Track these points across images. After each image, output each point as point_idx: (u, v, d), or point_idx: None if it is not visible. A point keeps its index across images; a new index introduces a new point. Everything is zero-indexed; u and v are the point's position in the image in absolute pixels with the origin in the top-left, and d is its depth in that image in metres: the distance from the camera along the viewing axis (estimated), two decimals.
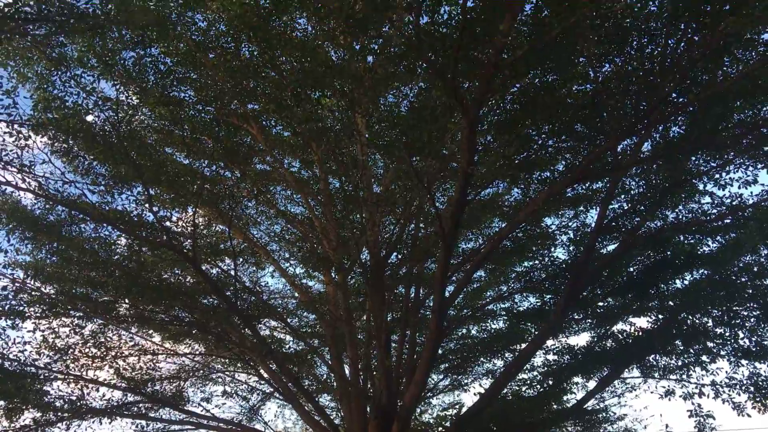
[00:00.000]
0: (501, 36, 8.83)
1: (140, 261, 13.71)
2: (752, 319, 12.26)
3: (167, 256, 13.49)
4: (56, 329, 14.31)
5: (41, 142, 12.21)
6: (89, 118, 13.07)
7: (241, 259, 16.43)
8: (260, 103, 13.67)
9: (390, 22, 9.61)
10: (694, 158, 11.00)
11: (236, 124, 13.89)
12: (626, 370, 14.18)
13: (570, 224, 13.64)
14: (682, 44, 9.17)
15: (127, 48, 12.75)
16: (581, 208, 12.91)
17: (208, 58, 13.05)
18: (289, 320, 17.19)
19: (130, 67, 13.05)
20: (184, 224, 14.92)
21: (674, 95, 10.11)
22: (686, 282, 13.11)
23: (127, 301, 14.13)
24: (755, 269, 12.09)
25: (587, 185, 12.29)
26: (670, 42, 9.70)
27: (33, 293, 13.60)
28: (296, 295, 17.68)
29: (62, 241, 13.53)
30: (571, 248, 13.50)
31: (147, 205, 12.06)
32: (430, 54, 9.26)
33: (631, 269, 13.64)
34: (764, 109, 10.56)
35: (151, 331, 16.59)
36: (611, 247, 13.37)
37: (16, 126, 11.32)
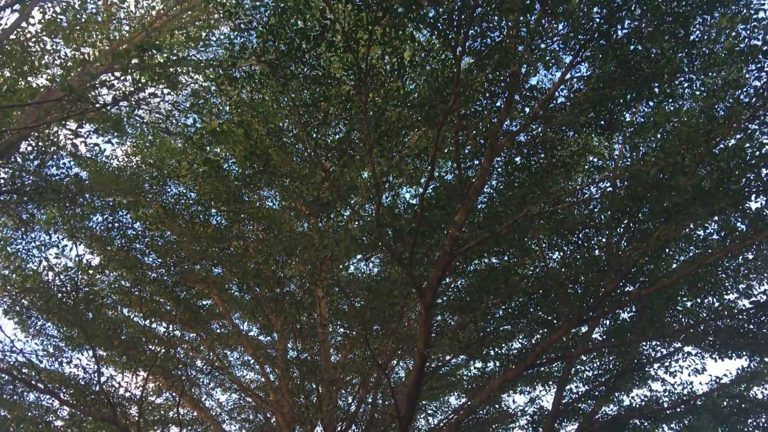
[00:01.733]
0: (456, 226, 9.34)
1: (81, 430, 13.04)
2: None
3: (110, 429, 12.86)
4: None
5: None
6: (52, 274, 13.01)
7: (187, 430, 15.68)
8: (224, 269, 13.84)
9: (351, 207, 10.14)
10: (644, 345, 11.30)
11: (198, 288, 13.94)
12: None
13: (527, 408, 13.56)
14: (624, 241, 9.79)
15: (95, 213, 13.05)
16: (538, 390, 12.93)
17: (176, 224, 13.38)
18: None
19: (97, 230, 13.27)
20: (133, 389, 14.39)
21: (621, 284, 10.61)
22: None
23: None
24: None
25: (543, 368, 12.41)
26: (614, 235, 10.36)
27: None
28: None
29: (2, 404, 12.89)
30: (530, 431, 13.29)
31: (95, 374, 11.69)
32: (389, 239, 9.71)
33: None
34: (707, 300, 11.08)
35: None
36: (571, 428, 13.22)
37: None
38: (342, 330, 15.63)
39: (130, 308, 14.56)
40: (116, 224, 12.96)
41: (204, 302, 15.11)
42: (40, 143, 9.57)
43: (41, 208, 12.07)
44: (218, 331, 15.60)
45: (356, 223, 11.96)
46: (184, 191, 13.17)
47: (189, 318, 13.19)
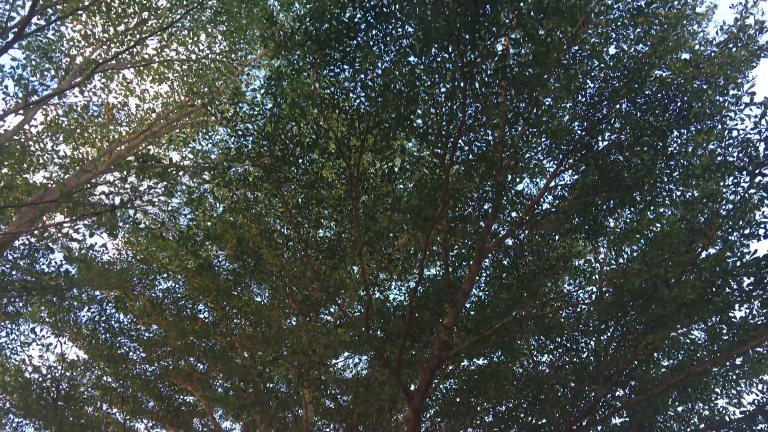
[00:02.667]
0: (444, 330, 9.35)
1: None
2: None
3: None
4: None
5: None
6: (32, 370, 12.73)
7: None
8: (209, 365, 13.62)
9: (340, 307, 10.14)
10: None
11: (181, 384, 13.64)
12: None
13: None
14: (612, 346, 9.79)
15: (82, 306, 12.95)
16: None
17: (163, 318, 13.27)
18: None
19: (83, 324, 13.12)
20: None
21: (612, 389, 10.51)
22: None
23: None
24: None
25: None
26: (603, 340, 10.37)
27: None
28: None
29: None
30: None
31: None
32: (378, 342, 9.67)
33: None
34: (698, 406, 10.96)
35: None
36: None
37: None
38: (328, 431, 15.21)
39: (111, 405, 14.16)
40: (102, 318, 12.84)
41: (187, 398, 14.74)
42: (33, 240, 9.64)
43: (28, 304, 11.98)
44: (200, 429, 15.13)
45: (343, 320, 11.93)
46: (173, 285, 13.15)
47: (171, 416, 12.84)
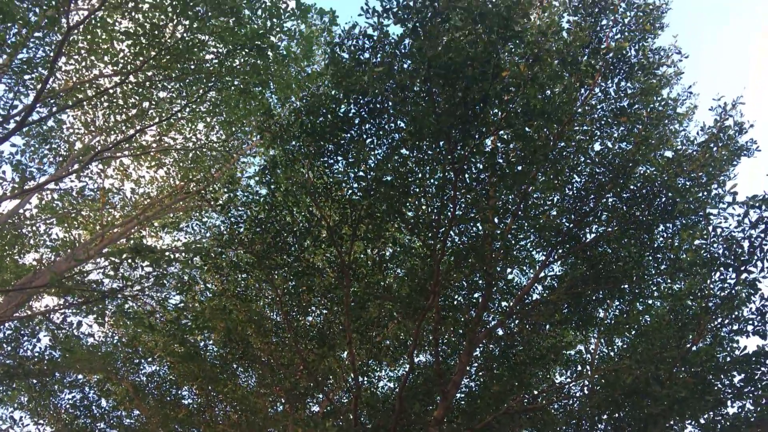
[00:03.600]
0: (435, 423, 9.16)
1: None
2: None
3: None
4: None
5: None
6: None
7: None
8: None
9: (327, 396, 9.95)
10: None
11: None
12: None
13: None
14: None
15: (63, 390, 12.63)
16: None
17: (145, 403, 12.93)
18: None
19: (63, 408, 12.76)
20: None
21: None
22: None
23: None
24: None
25: None
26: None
27: None
28: None
29: None
30: None
31: None
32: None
33: None
34: None
35: None
36: None
37: None
38: None
39: None
40: (83, 403, 12.49)
41: None
42: (19, 325, 9.52)
43: (9, 390, 11.69)
44: None
45: (330, 408, 11.66)
46: (158, 370, 12.89)
47: None
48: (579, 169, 9.21)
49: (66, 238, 10.58)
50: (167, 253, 6.68)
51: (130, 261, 6.65)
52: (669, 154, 8.99)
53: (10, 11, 7.21)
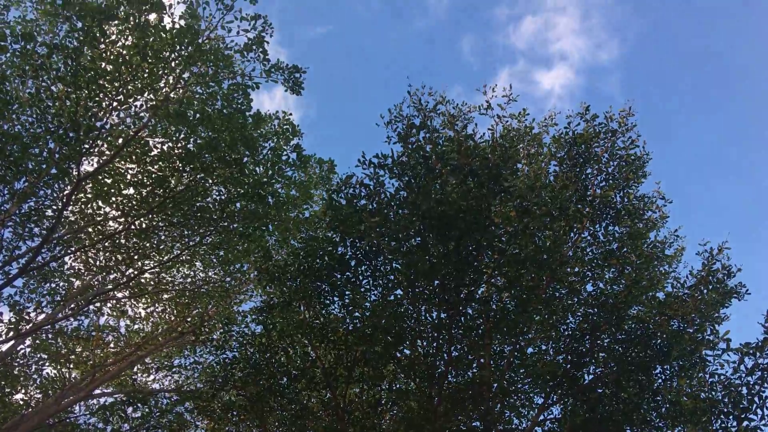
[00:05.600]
0: None
1: None
2: None
3: None
4: None
5: None
6: None
7: None
8: None
9: None
10: None
11: None
12: None
13: None
14: None
15: None
16: None
17: None
18: None
19: None
20: None
21: None
22: None
23: None
24: None
25: None
26: None
27: None
28: None
29: None
30: None
31: None
32: None
33: None
34: None
35: None
36: None
37: None
38: None
39: None
40: None
41: None
42: None
43: None
44: None
45: None
46: None
47: None
48: (573, 309, 9.29)
49: (56, 377, 10.41)
50: (158, 396, 6.58)
51: (120, 413, 6.55)
52: (661, 295, 9.11)
53: (24, 164, 7.56)
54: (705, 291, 8.51)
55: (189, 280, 10.84)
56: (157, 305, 11.19)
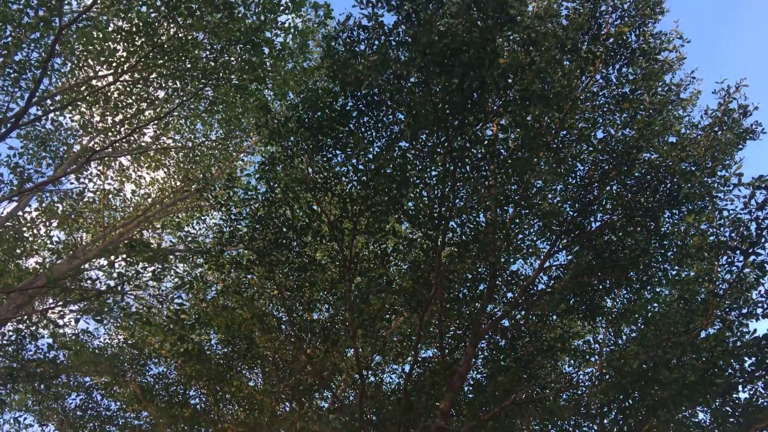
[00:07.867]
0: (441, 415, 9.07)
1: None
2: None
3: None
4: None
5: None
6: None
7: None
8: None
9: (334, 393, 9.89)
10: None
11: None
12: None
13: None
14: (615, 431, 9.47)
15: (70, 393, 12.61)
16: None
17: (153, 404, 12.89)
18: None
19: (70, 412, 12.75)
20: None
21: None
22: None
23: None
24: None
25: None
26: (605, 422, 10.03)
27: None
28: None
29: None
30: None
31: None
32: (372, 429, 9.37)
33: None
34: None
35: None
36: None
37: None
38: None
39: None
40: (90, 405, 12.47)
41: None
42: (21, 326, 9.49)
43: (14, 393, 11.69)
44: None
45: (337, 404, 11.60)
46: (164, 371, 12.85)
47: None
48: (582, 157, 9.08)
49: (68, 241, 10.55)
50: (165, 250, 6.62)
51: (125, 258, 6.59)
52: (673, 139, 8.85)
53: (3, 13, 7.15)
54: (719, 132, 8.21)
55: (189, 143, 10.66)
56: (160, 170, 11.09)
